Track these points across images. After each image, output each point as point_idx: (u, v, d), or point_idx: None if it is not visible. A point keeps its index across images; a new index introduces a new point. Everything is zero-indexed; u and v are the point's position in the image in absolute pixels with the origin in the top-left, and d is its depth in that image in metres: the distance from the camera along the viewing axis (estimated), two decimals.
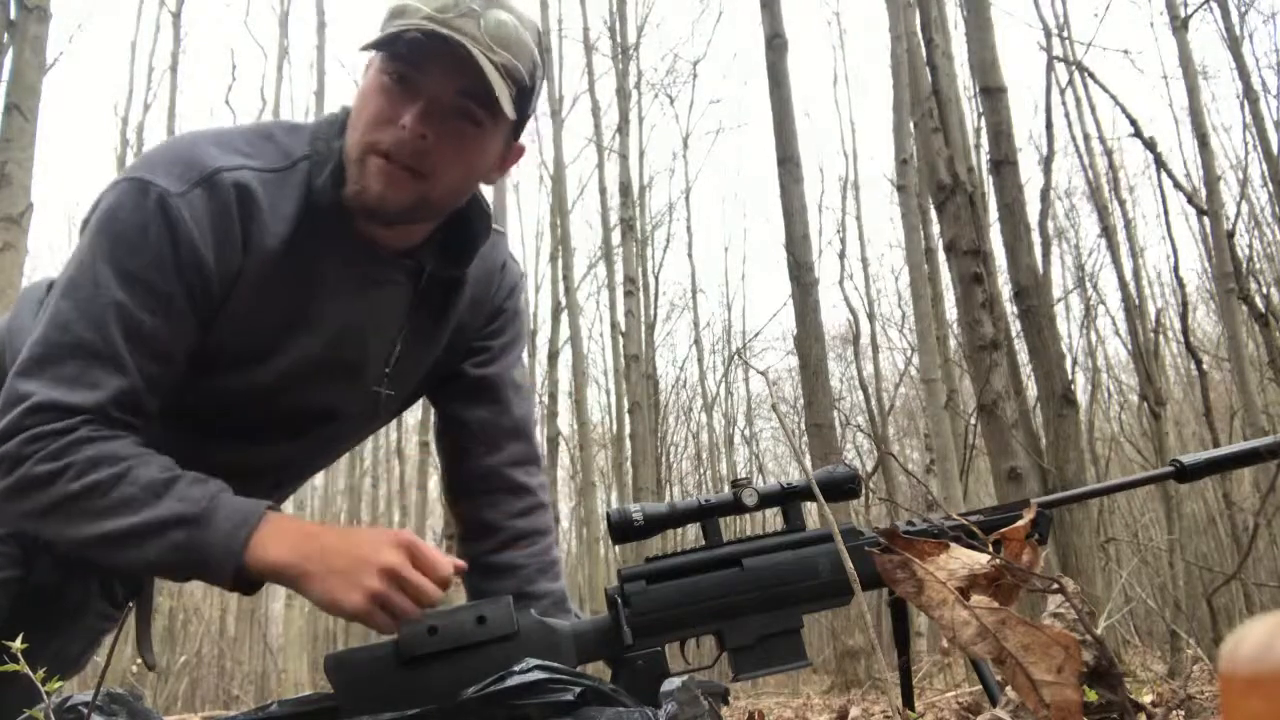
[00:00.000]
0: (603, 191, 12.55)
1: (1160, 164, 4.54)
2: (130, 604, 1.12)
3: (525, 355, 1.57)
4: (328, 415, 1.28)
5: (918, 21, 4.92)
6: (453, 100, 1.10)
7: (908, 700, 1.16)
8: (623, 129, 12.18)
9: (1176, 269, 4.79)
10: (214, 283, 1.10)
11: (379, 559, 1.03)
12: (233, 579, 1.03)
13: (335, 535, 1.07)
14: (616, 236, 12.23)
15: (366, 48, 1.10)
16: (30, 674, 0.87)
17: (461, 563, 1.16)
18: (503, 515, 1.36)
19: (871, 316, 14.54)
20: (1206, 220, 7.76)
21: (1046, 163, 4.91)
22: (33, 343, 1.07)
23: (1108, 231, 7.49)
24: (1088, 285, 10.28)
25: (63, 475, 1.02)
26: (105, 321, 1.06)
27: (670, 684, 1.02)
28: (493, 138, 1.16)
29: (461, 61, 1.06)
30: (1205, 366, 4.24)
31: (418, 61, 1.08)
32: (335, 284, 1.18)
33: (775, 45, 6.70)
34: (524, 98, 1.15)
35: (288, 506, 1.28)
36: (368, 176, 1.11)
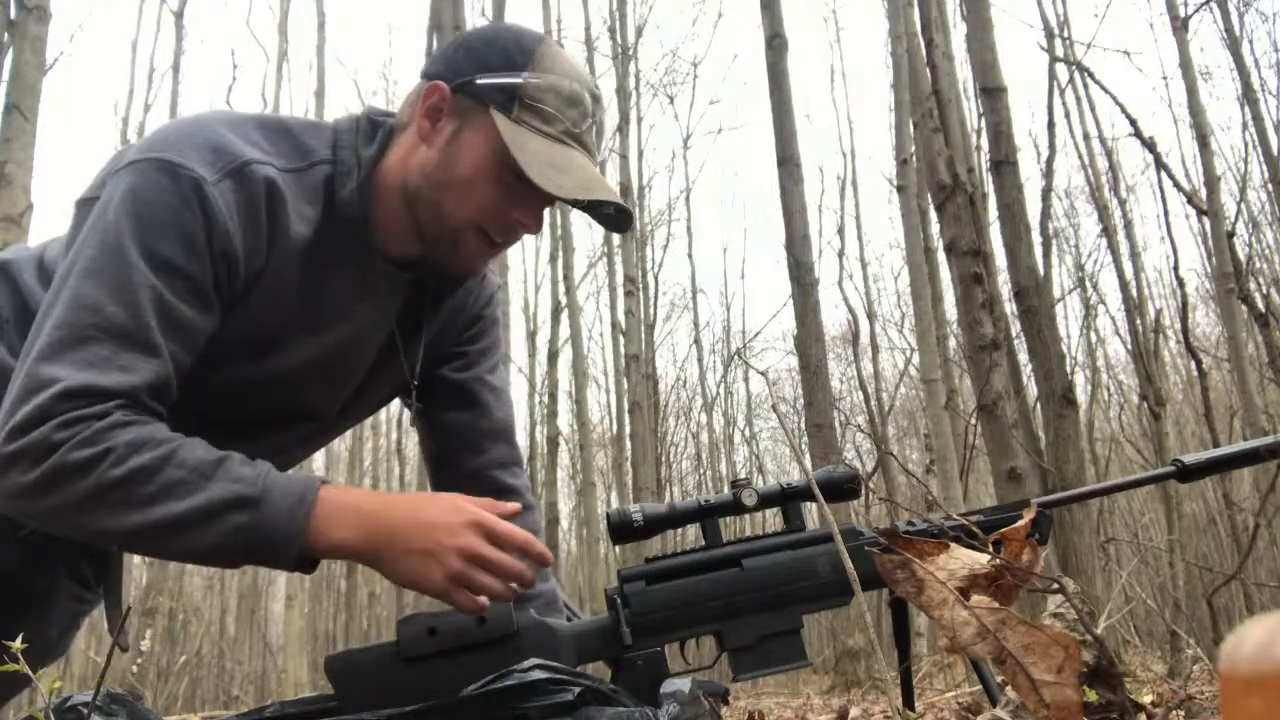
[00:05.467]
0: None
1: (1160, 164, 4.54)
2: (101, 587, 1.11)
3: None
4: (306, 416, 1.28)
5: (918, 21, 4.92)
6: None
7: (908, 700, 1.16)
8: (623, 129, 12.19)
9: (1176, 269, 4.77)
10: (239, 276, 1.09)
11: (455, 542, 1.02)
12: (295, 560, 1.00)
13: (403, 512, 1.04)
14: (616, 236, 12.23)
15: (579, 205, 1.15)
16: (19, 660, 0.87)
17: (539, 545, 1.09)
18: None
19: (871, 316, 14.55)
20: (1206, 220, 7.76)
21: (1048, 164, 4.91)
22: (53, 326, 0.99)
23: (1108, 231, 7.50)
24: (1088, 285, 10.27)
25: (103, 461, 0.95)
26: (138, 303, 1.01)
27: (670, 684, 1.02)
28: None
29: None
30: (1205, 366, 4.23)
31: None
32: (344, 290, 1.19)
33: (775, 46, 6.69)
34: None
35: None
36: (464, 250, 1.18)
